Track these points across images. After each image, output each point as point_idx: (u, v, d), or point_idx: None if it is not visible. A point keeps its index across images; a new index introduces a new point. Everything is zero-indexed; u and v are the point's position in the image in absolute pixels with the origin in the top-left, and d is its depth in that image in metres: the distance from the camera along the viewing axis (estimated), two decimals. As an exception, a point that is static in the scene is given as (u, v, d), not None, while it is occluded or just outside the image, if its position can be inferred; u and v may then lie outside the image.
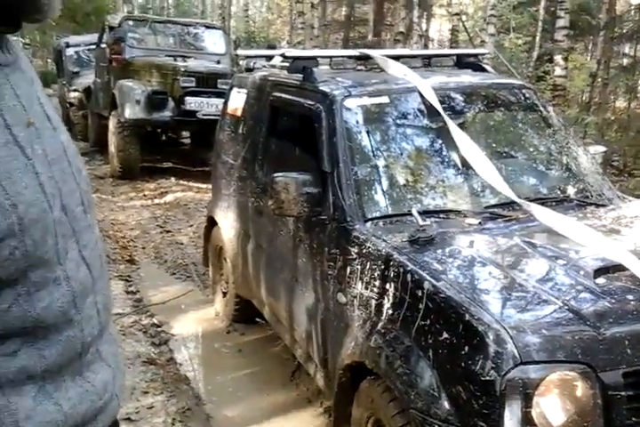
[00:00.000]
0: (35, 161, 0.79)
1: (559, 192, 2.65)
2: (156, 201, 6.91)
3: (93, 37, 10.17)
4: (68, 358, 0.85)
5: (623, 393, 1.63)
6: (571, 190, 2.65)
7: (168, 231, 5.78)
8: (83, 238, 0.88)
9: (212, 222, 4.00)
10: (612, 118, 9.19)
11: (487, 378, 1.63)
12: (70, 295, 0.84)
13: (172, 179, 7.86)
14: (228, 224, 3.70)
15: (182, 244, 5.41)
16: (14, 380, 0.78)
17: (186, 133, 8.74)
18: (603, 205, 2.59)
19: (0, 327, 0.76)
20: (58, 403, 0.83)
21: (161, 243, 5.45)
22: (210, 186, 4.94)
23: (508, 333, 1.65)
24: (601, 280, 1.90)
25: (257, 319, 3.68)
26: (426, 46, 16.80)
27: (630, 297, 1.82)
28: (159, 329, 3.71)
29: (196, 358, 3.42)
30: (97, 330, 0.91)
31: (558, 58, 9.82)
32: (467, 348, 1.70)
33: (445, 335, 1.77)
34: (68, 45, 11.75)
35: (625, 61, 12.67)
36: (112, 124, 7.89)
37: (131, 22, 8.69)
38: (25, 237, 0.75)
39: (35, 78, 0.88)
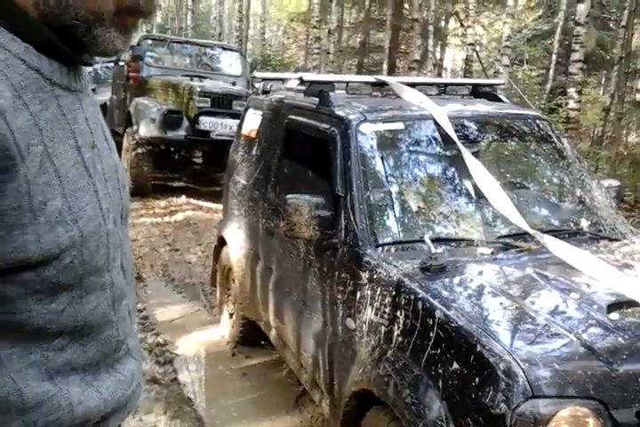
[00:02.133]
0: (95, 180, 0.90)
1: (572, 225, 2.64)
2: (166, 219, 6.93)
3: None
4: (105, 354, 0.95)
5: (636, 432, 1.60)
6: (584, 223, 2.64)
7: (177, 250, 5.78)
8: (124, 247, 0.99)
9: (221, 242, 4.00)
10: (625, 153, 9.19)
11: (497, 411, 1.60)
12: (111, 299, 0.94)
13: (183, 197, 7.89)
14: (237, 245, 3.70)
15: (190, 263, 5.40)
16: (61, 371, 0.88)
17: (198, 153, 8.80)
18: (616, 240, 2.58)
19: (54, 326, 0.85)
20: (99, 391, 0.93)
21: (169, 261, 5.45)
22: (220, 206, 4.95)
23: (519, 365, 1.63)
24: (614, 315, 1.88)
25: (262, 342, 3.65)
26: (439, 75, 16.97)
27: (644, 334, 1.79)
28: (164, 348, 3.68)
29: (200, 379, 3.38)
30: (128, 329, 1.02)
31: (572, 91, 9.87)
32: (477, 379, 1.68)
33: (456, 365, 1.75)
34: (86, 62, 11.94)
35: (638, 97, 12.72)
36: (126, 141, 7.96)
37: (149, 41, 8.83)
38: (83, 248, 0.85)
39: (96, 102, 0.99)
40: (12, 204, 0.76)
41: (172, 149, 8.38)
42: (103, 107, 10.10)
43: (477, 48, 15.59)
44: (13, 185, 0.76)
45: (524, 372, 1.61)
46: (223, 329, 3.97)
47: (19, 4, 0.81)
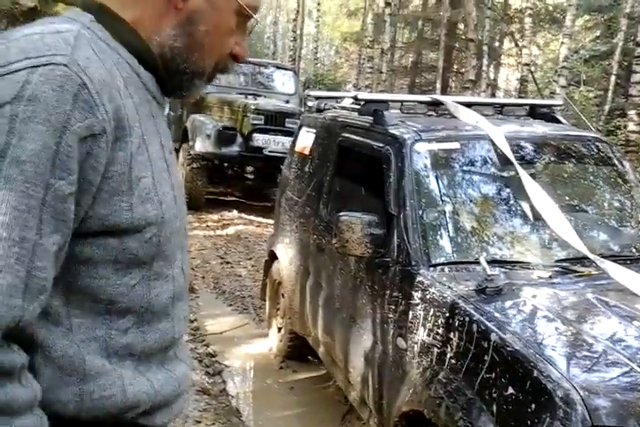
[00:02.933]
0: (172, 178, 0.98)
1: (634, 250, 2.56)
2: (218, 232, 7.05)
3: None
4: (159, 347, 0.98)
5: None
6: (646, 249, 2.56)
7: (228, 262, 5.87)
8: (184, 252, 1.04)
9: (272, 257, 4.04)
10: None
11: (554, 439, 1.56)
12: (172, 293, 0.99)
13: (235, 212, 8.01)
14: (288, 259, 3.73)
15: (241, 276, 5.47)
16: (119, 353, 0.92)
17: (250, 168, 8.95)
18: (679, 267, 2.48)
19: (125, 301, 0.91)
20: (150, 380, 0.96)
21: (220, 273, 5.53)
22: (271, 221, 5.01)
23: (578, 393, 1.58)
24: (679, 345, 1.81)
25: (310, 358, 3.65)
26: (493, 95, 16.82)
27: None
28: (214, 359, 3.73)
29: (248, 391, 3.41)
30: (182, 331, 1.05)
31: (632, 113, 9.63)
32: (533, 405, 1.64)
33: (511, 390, 1.71)
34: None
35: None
36: (182, 156, 8.16)
37: (206, 60, 9.06)
38: (162, 229, 0.92)
39: None
40: (119, 170, 0.85)
41: (226, 164, 8.54)
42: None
43: (532, 68, 15.40)
44: (123, 154, 0.86)
45: (583, 400, 1.57)
46: (271, 343, 3.99)
47: (140, 35, 0.95)
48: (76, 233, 0.84)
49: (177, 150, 8.51)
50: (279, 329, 3.90)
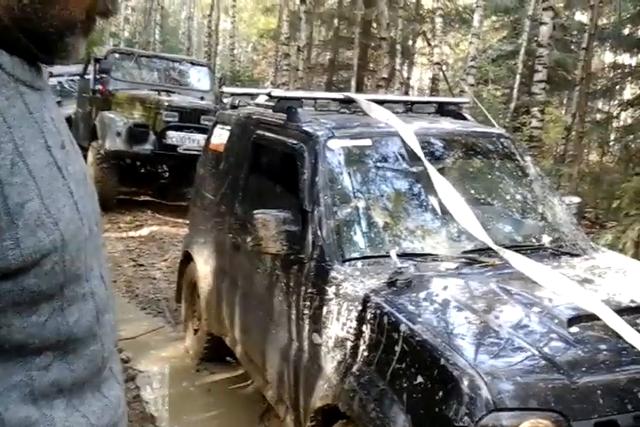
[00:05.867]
0: (69, 181, 0.83)
1: (534, 240, 2.70)
2: (131, 234, 6.85)
3: (78, 68, 10.22)
4: (91, 373, 0.88)
5: (595, 443, 1.63)
6: (545, 239, 2.69)
7: (141, 265, 5.71)
8: (101, 256, 0.93)
9: (187, 257, 3.97)
10: (586, 171, 9.43)
11: (460, 424, 1.61)
12: (95, 311, 0.87)
13: (149, 212, 7.81)
14: (203, 260, 3.67)
15: (155, 278, 5.34)
16: (47, 393, 0.81)
17: (164, 167, 8.75)
18: (577, 255, 2.64)
19: (38, 341, 0.79)
20: (85, 415, 0.86)
21: (133, 276, 5.37)
22: (186, 220, 4.91)
23: (482, 379, 1.65)
24: (574, 329, 1.92)
25: (228, 358, 3.61)
26: (407, 93, 17.23)
27: (603, 347, 1.84)
28: (127, 365, 3.61)
29: (164, 396, 3.33)
30: (112, 346, 0.95)
31: (535, 110, 10.13)
32: (441, 393, 1.69)
33: (420, 379, 1.76)
34: (51, 75, 11.77)
35: (598, 117, 13.12)
36: (91, 154, 7.87)
37: (117, 55, 8.77)
38: (65, 252, 0.79)
39: (55, 102, 0.92)
40: None
41: (138, 163, 8.31)
42: (68, 120, 9.97)
43: (444, 67, 15.90)
44: None
45: (486, 385, 1.63)
46: (188, 345, 3.92)
47: None
48: None
49: (86, 149, 8.21)
50: (195, 331, 3.84)
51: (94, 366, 0.88)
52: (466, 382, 1.65)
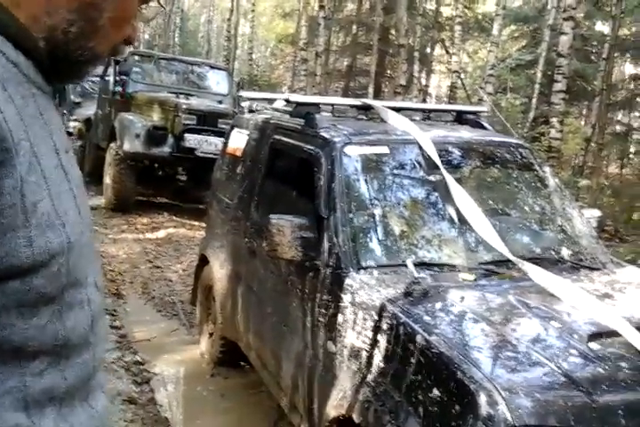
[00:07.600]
0: (73, 185, 0.84)
1: (553, 253, 2.66)
2: (148, 236, 6.87)
3: (98, 69, 10.31)
4: (82, 381, 0.87)
5: (614, 464, 1.59)
6: (565, 252, 2.66)
7: (157, 267, 5.73)
8: (94, 263, 0.92)
9: (203, 261, 3.97)
10: (606, 183, 9.33)
11: (477, 440, 1.59)
12: (90, 318, 0.87)
13: (166, 214, 7.83)
14: (219, 263, 3.67)
15: (171, 280, 5.35)
16: (39, 400, 0.80)
17: (182, 170, 8.79)
18: (596, 269, 2.60)
19: (36, 344, 0.79)
20: (73, 426, 0.85)
21: (149, 278, 5.38)
22: (203, 223, 4.92)
23: (500, 394, 1.62)
24: (595, 345, 1.88)
25: (242, 363, 3.60)
26: (424, 100, 17.20)
27: (624, 365, 1.80)
28: (142, 367, 3.62)
29: (178, 399, 3.33)
30: (102, 355, 0.94)
31: (554, 120, 10.05)
32: (457, 407, 1.67)
33: (436, 392, 1.73)
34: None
35: (618, 128, 12.99)
36: (110, 156, 7.92)
37: (136, 57, 8.83)
38: (69, 255, 0.80)
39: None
40: (9, 201, 0.71)
41: (156, 165, 8.35)
42: (88, 121, 10.05)
43: (462, 75, 15.86)
44: (11, 181, 0.71)
45: (504, 401, 1.60)
46: (202, 349, 3.92)
47: (11, 11, 0.77)
48: None
49: (104, 150, 8.26)
50: (210, 335, 3.83)
51: (85, 374, 0.87)
52: (483, 397, 1.62)
